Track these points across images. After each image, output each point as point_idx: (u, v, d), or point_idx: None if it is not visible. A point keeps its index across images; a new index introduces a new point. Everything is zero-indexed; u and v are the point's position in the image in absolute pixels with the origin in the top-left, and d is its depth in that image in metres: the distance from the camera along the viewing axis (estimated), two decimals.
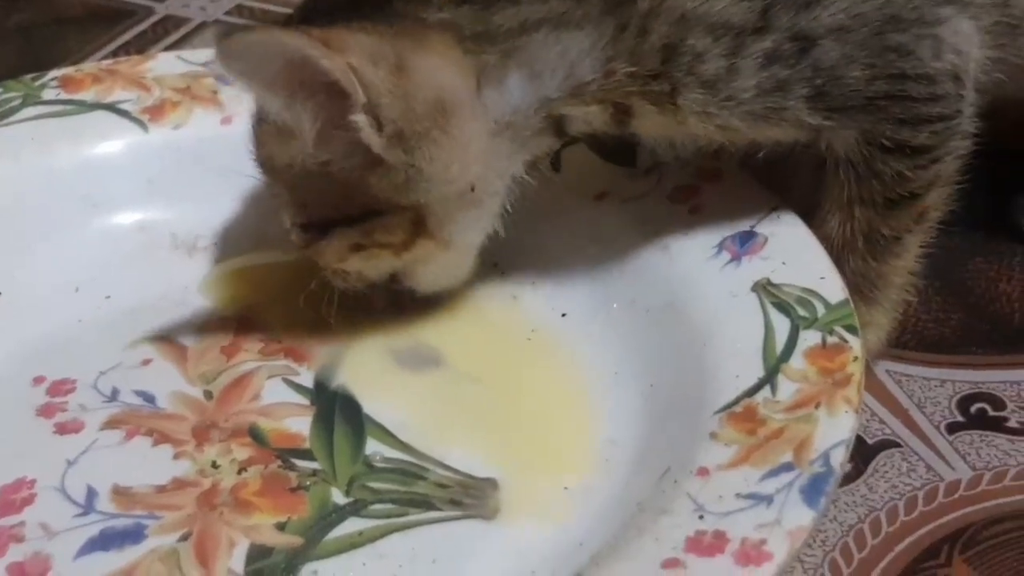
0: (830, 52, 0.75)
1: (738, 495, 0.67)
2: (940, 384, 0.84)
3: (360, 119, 0.71)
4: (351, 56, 0.70)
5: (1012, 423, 0.82)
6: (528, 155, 0.78)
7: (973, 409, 0.83)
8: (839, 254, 0.80)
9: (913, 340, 0.87)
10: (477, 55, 0.73)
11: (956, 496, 0.78)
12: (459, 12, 0.73)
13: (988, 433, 0.81)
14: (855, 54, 0.75)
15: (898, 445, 0.81)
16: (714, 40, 0.74)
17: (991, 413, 0.83)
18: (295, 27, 0.71)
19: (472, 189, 0.76)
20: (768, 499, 0.66)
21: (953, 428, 0.82)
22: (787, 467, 0.68)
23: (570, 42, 0.74)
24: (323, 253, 0.79)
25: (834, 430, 0.69)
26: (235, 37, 0.70)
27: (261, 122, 0.76)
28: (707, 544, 0.65)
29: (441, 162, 0.74)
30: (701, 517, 0.67)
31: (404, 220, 0.77)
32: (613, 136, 0.79)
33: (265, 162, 0.78)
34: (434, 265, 0.81)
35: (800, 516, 0.65)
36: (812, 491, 0.66)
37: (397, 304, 0.84)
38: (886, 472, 0.79)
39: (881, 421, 0.82)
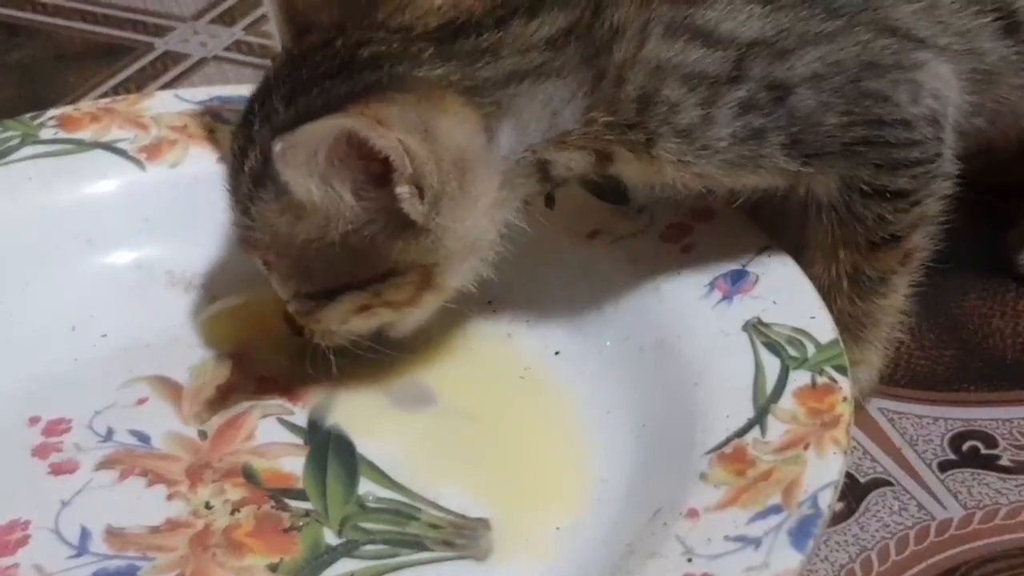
0: (806, 100, 0.75)
1: (727, 537, 0.67)
2: (932, 422, 0.85)
3: (404, 190, 0.71)
4: (396, 130, 0.70)
5: (1004, 461, 0.82)
6: (519, 201, 0.78)
7: (965, 447, 0.83)
8: (826, 296, 0.80)
9: (905, 377, 0.87)
10: (480, 108, 0.73)
11: (947, 535, 0.78)
12: (449, 68, 0.73)
13: (980, 471, 0.81)
14: (831, 101, 0.75)
15: (890, 484, 0.81)
16: (689, 90, 0.74)
17: (983, 451, 0.83)
18: (346, 110, 0.70)
19: (475, 241, 0.76)
20: (756, 542, 0.67)
21: (945, 466, 0.82)
22: (775, 509, 0.68)
23: (552, 91, 0.74)
24: (324, 318, 0.79)
25: (823, 471, 0.69)
26: (294, 133, 0.69)
27: (258, 201, 0.75)
28: None
29: (459, 219, 0.74)
30: (690, 560, 0.67)
31: (415, 277, 0.76)
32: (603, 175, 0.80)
33: (263, 240, 0.76)
34: (425, 312, 0.81)
35: (788, 559, 0.66)
36: (800, 533, 0.67)
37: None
38: (878, 511, 0.79)
39: (873, 459, 0.82)
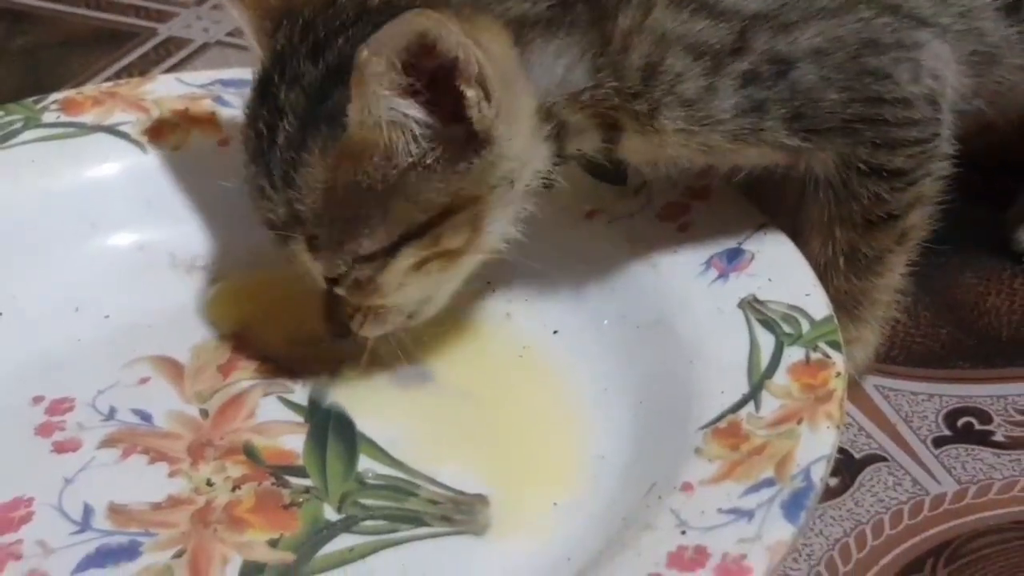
0: (807, 75, 0.75)
1: (720, 510, 0.68)
2: (927, 398, 0.85)
3: (472, 93, 0.71)
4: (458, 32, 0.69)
5: (998, 437, 0.83)
6: (548, 155, 0.77)
7: (960, 423, 0.84)
8: (822, 273, 0.80)
9: (901, 355, 0.88)
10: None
11: (941, 510, 0.78)
12: (463, 2, 0.72)
13: (974, 447, 0.82)
14: (832, 77, 0.76)
15: (885, 459, 0.81)
16: (694, 60, 0.75)
17: (977, 427, 0.83)
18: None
19: (512, 181, 0.75)
20: (749, 514, 0.67)
21: (940, 442, 0.82)
22: (768, 482, 0.69)
23: (563, 46, 0.75)
24: (384, 283, 0.76)
25: (816, 445, 0.70)
26: (378, 36, 0.68)
27: (303, 166, 0.73)
28: (688, 559, 0.66)
29: (510, 134, 0.73)
30: (683, 532, 0.68)
31: (468, 216, 0.75)
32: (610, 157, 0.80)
33: (312, 210, 0.74)
34: (462, 273, 0.80)
35: (780, 531, 0.66)
36: (793, 506, 0.67)
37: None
38: (872, 486, 0.80)
39: (868, 435, 0.83)
